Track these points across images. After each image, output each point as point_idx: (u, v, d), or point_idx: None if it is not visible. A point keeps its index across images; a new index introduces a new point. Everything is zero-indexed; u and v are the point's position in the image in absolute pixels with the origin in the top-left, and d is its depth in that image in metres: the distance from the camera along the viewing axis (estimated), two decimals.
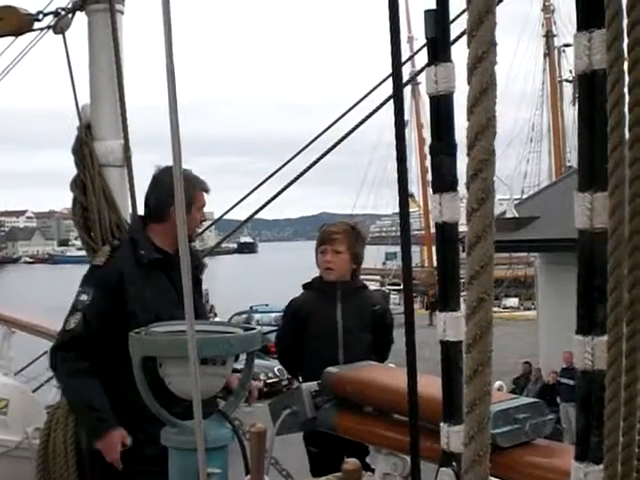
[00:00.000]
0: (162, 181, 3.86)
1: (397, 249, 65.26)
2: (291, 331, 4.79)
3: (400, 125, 1.86)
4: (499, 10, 1.22)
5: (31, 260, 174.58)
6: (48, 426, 3.89)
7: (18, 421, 4.55)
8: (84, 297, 3.80)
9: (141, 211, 4.13)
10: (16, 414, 4.57)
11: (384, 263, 66.11)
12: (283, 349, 4.93)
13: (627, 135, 1.29)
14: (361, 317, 4.76)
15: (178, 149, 1.61)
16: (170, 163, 1.70)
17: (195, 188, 3.97)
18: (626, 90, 1.27)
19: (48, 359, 3.98)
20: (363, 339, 4.72)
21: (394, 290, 48.97)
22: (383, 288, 47.56)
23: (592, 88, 1.32)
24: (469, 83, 1.20)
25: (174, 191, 1.81)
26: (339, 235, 4.77)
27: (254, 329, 2.73)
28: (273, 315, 32.11)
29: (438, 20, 1.76)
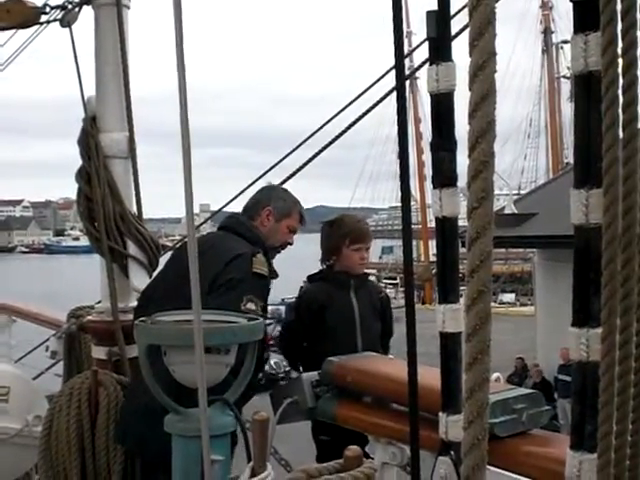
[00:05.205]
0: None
1: (393, 243, 65.05)
2: (305, 321, 4.78)
3: (402, 119, 1.89)
4: (498, 6, 1.27)
5: (27, 250, 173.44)
6: (51, 413, 3.91)
7: (19, 409, 4.56)
8: None
9: (146, 202, 4.24)
10: (17, 402, 4.57)
11: (380, 257, 65.75)
12: (293, 339, 4.89)
13: (621, 134, 1.34)
14: (372, 304, 4.88)
15: (188, 143, 1.65)
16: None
17: (297, 206, 4.30)
18: (620, 92, 1.32)
19: None
20: (376, 326, 4.84)
21: (390, 284, 48.88)
22: (379, 283, 47.34)
23: (588, 89, 1.36)
24: (470, 89, 1.25)
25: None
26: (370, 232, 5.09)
27: (257, 319, 2.77)
28: (270, 307, 31.83)
29: (439, 21, 1.80)
